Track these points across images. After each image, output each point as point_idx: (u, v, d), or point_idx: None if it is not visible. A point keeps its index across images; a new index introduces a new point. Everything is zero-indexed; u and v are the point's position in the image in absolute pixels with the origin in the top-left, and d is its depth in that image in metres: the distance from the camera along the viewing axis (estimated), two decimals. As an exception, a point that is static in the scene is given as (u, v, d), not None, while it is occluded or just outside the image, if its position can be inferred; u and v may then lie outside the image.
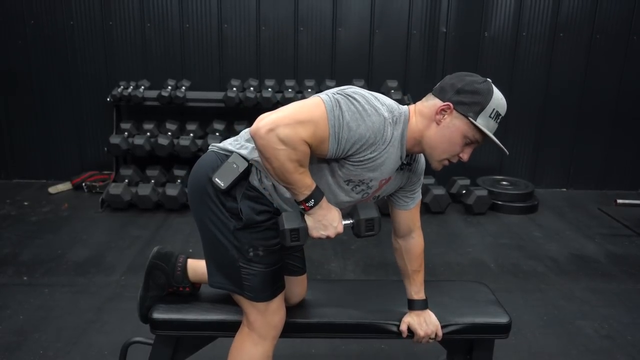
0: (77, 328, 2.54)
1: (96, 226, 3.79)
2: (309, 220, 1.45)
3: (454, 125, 1.43)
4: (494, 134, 1.45)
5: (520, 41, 4.57)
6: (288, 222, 1.44)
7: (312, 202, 1.41)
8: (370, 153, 1.42)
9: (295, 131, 1.32)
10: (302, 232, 1.45)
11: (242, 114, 4.40)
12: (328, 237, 1.47)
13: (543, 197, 4.59)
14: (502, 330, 1.79)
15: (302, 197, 1.41)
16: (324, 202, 1.45)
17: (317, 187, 1.43)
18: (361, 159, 1.42)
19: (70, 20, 4.42)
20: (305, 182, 1.40)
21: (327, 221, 1.45)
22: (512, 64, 4.61)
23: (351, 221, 1.50)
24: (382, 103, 1.44)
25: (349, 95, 1.40)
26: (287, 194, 1.55)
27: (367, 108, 1.39)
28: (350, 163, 1.44)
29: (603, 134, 4.79)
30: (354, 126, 1.36)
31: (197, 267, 1.80)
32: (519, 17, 4.52)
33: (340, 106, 1.37)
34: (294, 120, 1.33)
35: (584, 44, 4.58)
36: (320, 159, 1.47)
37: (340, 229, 1.48)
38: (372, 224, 1.49)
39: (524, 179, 4.70)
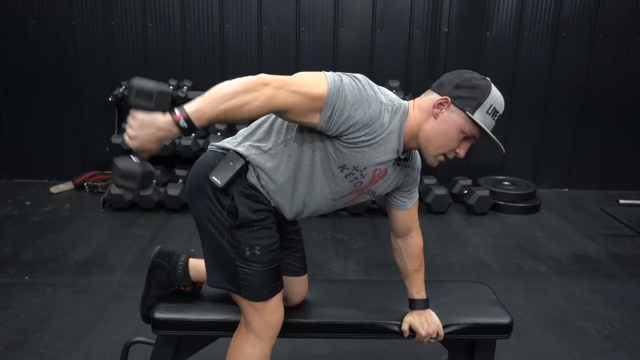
0: (78, 328, 2.54)
1: (98, 226, 3.80)
2: (156, 116, 1.32)
3: (451, 119, 1.45)
4: (492, 132, 1.45)
5: (522, 41, 4.56)
6: (156, 87, 1.32)
7: (184, 124, 1.31)
8: (365, 135, 1.42)
9: (286, 98, 1.34)
10: (154, 100, 1.32)
11: (243, 114, 4.40)
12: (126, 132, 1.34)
13: (545, 197, 4.58)
14: (504, 330, 1.79)
15: (185, 116, 1.30)
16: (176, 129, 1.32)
17: (198, 128, 1.34)
18: (355, 140, 1.43)
19: (72, 20, 4.42)
20: (210, 117, 1.32)
21: (145, 125, 1.31)
22: (514, 63, 4.60)
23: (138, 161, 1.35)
24: (382, 92, 1.47)
25: (352, 75, 1.44)
26: (288, 194, 1.55)
27: (368, 89, 1.42)
28: (343, 144, 1.44)
29: (605, 134, 4.78)
30: (350, 100, 1.38)
31: (198, 266, 1.80)
32: (521, 16, 4.51)
33: (342, 80, 1.39)
34: (295, 87, 1.35)
35: (586, 43, 4.57)
36: (317, 143, 1.47)
37: (134, 144, 1.32)
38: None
39: (525, 179, 4.69)
